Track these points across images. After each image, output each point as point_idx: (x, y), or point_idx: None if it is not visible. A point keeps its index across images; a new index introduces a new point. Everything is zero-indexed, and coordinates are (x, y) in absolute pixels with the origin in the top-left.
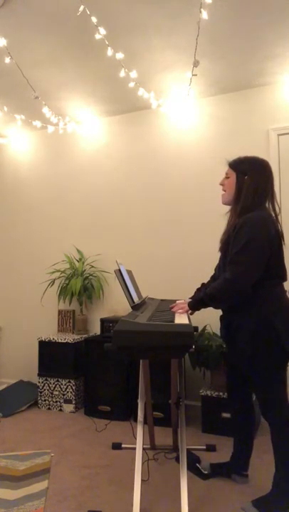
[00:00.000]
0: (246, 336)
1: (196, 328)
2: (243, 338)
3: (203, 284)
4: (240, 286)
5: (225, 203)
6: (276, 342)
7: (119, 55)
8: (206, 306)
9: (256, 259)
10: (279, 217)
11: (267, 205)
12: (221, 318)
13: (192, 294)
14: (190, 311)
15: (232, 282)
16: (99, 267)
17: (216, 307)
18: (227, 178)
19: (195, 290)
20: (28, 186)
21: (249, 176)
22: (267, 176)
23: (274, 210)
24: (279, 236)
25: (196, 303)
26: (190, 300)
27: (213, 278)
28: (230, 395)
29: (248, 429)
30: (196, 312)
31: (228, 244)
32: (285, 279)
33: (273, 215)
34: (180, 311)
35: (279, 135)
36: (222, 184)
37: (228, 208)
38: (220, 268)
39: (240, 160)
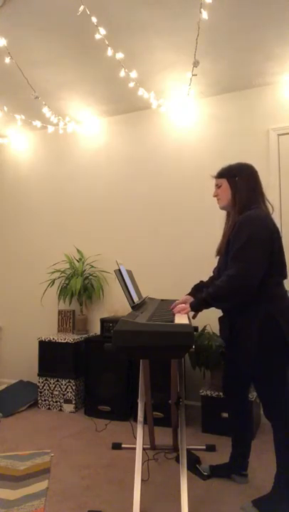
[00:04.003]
0: (252, 336)
1: (196, 328)
2: (249, 338)
3: (201, 282)
4: (245, 282)
5: (222, 208)
6: (281, 341)
7: (119, 55)
8: (208, 306)
9: (259, 254)
10: (274, 215)
11: (261, 203)
12: (220, 319)
13: None
14: (192, 313)
15: (236, 278)
16: (99, 267)
17: (219, 307)
18: (219, 187)
19: (192, 287)
20: (28, 186)
21: (239, 177)
22: (255, 175)
23: (266, 208)
24: (279, 233)
25: (199, 304)
26: (192, 300)
27: (212, 279)
28: (228, 395)
29: (245, 429)
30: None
31: (228, 244)
32: (286, 277)
33: (271, 212)
34: (183, 313)
35: (279, 135)
36: (216, 195)
37: None
38: (220, 269)
39: (226, 168)
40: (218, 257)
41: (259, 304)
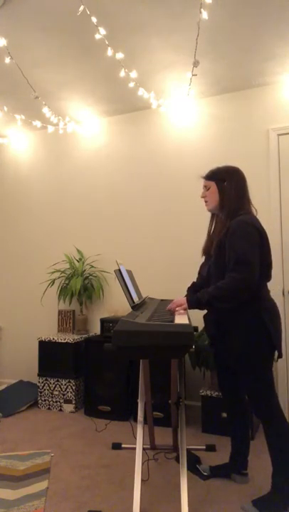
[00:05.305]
0: (240, 334)
1: (196, 328)
2: (237, 338)
3: (193, 283)
4: (249, 284)
5: (210, 211)
6: (267, 339)
7: (119, 55)
8: (208, 305)
9: (257, 257)
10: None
11: (249, 208)
12: (206, 316)
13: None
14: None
15: (240, 281)
16: (99, 267)
17: (219, 307)
18: (207, 189)
19: (187, 289)
20: (28, 186)
21: (228, 182)
22: (243, 180)
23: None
24: (266, 235)
25: (199, 301)
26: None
27: (202, 279)
28: (224, 394)
29: (244, 428)
30: (196, 312)
31: (220, 247)
32: (270, 279)
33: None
34: (179, 309)
35: (279, 135)
36: (204, 196)
37: None
38: (210, 270)
39: (215, 170)
40: (203, 257)
41: (247, 303)
